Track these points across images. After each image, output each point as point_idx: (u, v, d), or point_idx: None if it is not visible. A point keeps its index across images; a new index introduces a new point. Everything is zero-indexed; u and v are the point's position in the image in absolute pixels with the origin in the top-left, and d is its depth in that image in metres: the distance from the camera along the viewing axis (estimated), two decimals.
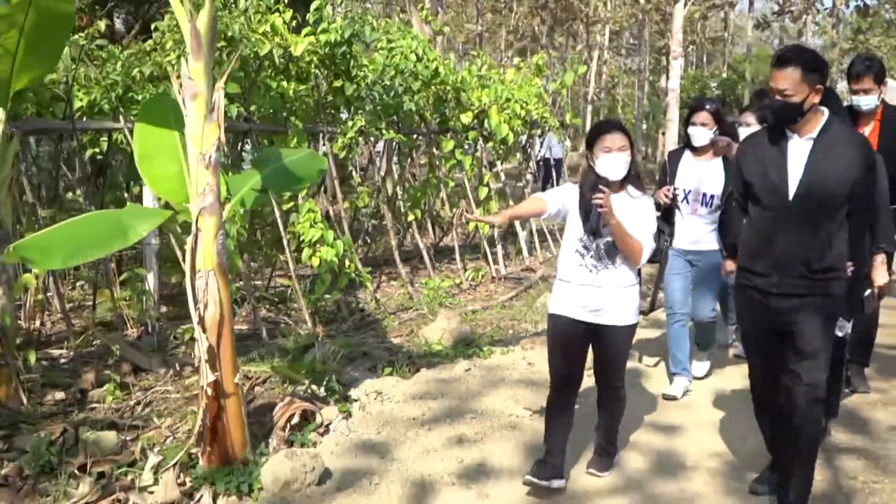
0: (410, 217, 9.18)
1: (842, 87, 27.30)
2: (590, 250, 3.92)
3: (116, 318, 6.45)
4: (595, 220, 3.83)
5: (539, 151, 12.10)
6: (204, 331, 3.85)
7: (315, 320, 7.06)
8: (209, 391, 3.89)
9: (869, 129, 5.20)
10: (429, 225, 11.18)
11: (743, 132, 5.37)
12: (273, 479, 3.97)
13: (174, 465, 3.94)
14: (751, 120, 5.63)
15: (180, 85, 3.75)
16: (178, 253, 6.13)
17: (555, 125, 10.57)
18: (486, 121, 9.42)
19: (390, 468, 4.29)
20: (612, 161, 3.83)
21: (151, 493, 3.91)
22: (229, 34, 6.58)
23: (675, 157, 5.55)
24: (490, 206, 9.55)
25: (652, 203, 4.05)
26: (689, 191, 5.34)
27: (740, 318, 4.10)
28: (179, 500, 3.87)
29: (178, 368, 5.78)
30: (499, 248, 9.97)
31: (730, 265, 4.32)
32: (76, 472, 4.16)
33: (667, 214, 4.96)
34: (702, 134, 5.28)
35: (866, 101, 5.15)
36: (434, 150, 9.49)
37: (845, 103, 5.16)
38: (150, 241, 6.49)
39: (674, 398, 5.48)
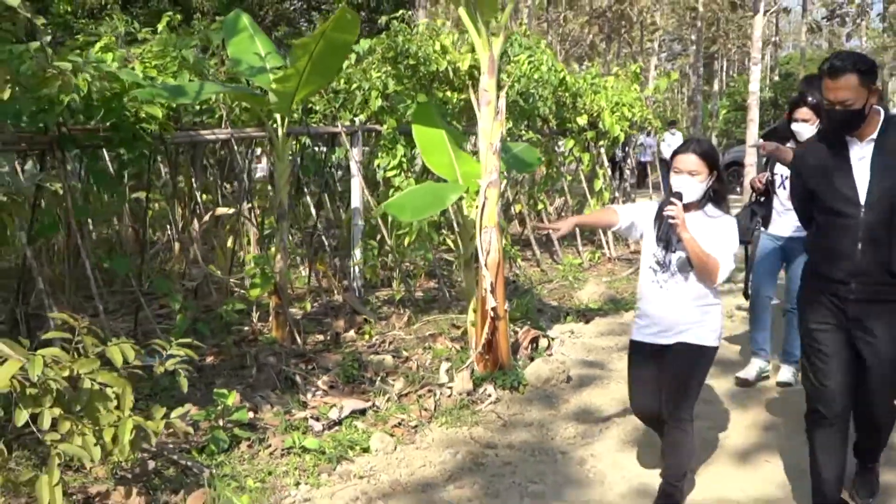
0: (539, 206, 10.71)
1: (893, 86, 28.43)
2: (663, 266, 3.78)
3: (328, 285, 8.05)
4: (666, 231, 3.72)
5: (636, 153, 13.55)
6: (487, 269, 5.39)
7: None
8: (490, 313, 5.42)
9: None
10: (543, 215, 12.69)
11: (799, 128, 5.24)
12: (535, 377, 5.53)
13: (466, 367, 5.48)
14: (807, 115, 5.22)
15: (477, 95, 5.30)
16: (385, 231, 7.76)
17: (658, 126, 12.07)
18: (600, 123, 10.93)
19: (611, 374, 5.82)
20: (681, 182, 3.71)
21: (450, 387, 5.46)
22: (418, 54, 8.16)
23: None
24: (604, 196, 11.08)
25: (734, 223, 3.83)
26: (786, 177, 5.13)
27: (809, 324, 3.72)
28: (472, 390, 5.42)
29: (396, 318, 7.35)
30: (610, 234, 11.47)
31: None
32: (375, 379, 5.71)
33: (766, 200, 5.09)
34: (806, 129, 5.19)
35: None
36: (555, 148, 11.01)
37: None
38: (357, 223, 8.07)
39: (746, 381, 5.56)
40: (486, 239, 5.36)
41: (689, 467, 4.01)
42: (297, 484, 4.19)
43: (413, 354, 6.28)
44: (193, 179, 8.73)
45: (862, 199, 3.48)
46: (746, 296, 5.57)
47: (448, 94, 8.97)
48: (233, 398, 4.71)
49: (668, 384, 3.82)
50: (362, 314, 7.36)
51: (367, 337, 6.79)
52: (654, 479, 4.03)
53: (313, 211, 8.18)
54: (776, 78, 33.66)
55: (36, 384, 3.47)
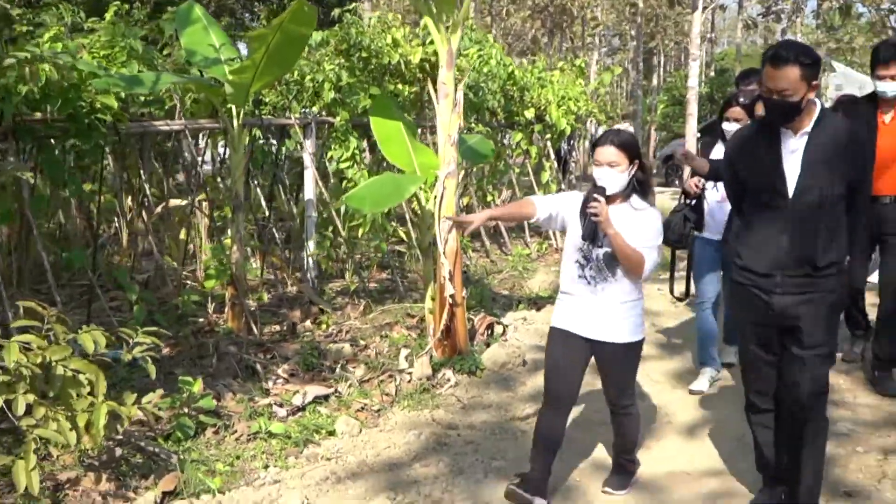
0: (489, 198, 10.88)
1: (824, 81, 29.33)
2: (589, 261, 3.73)
3: (280, 276, 8.10)
4: (590, 228, 3.66)
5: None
6: (446, 258, 5.53)
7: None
8: (449, 300, 5.56)
9: (890, 117, 5.21)
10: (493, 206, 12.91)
11: (730, 127, 5.21)
12: (492, 362, 5.70)
13: (426, 353, 5.61)
14: (739, 115, 5.25)
15: (435, 88, 5.42)
16: (339, 223, 7.85)
17: (603, 120, 12.35)
18: (546, 116, 11.15)
19: None
20: (600, 175, 3.67)
21: (410, 373, 5.58)
22: (371, 47, 8.25)
23: (706, 146, 5.52)
24: (551, 188, 11.31)
25: (658, 216, 3.80)
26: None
27: (738, 316, 3.89)
28: (431, 375, 5.55)
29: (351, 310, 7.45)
30: None
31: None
32: (334, 367, 5.81)
33: (697, 204, 5.16)
34: (735, 129, 4.86)
35: (893, 88, 5.09)
36: (503, 141, 11.19)
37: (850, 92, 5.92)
38: (311, 214, 8.13)
39: (700, 392, 5.43)
40: (444, 228, 5.50)
41: (639, 441, 4.19)
42: (266, 467, 4.29)
43: (371, 343, 6.39)
44: (142, 171, 8.69)
45: (790, 192, 3.46)
46: (680, 299, 5.68)
47: (399, 86, 9.08)
48: (198, 385, 4.77)
49: (606, 379, 3.89)
50: (318, 304, 7.42)
51: (324, 327, 6.87)
52: (607, 452, 4.22)
53: (263, 203, 8.22)
54: (712, 74, 34.42)
55: (10, 371, 3.51)
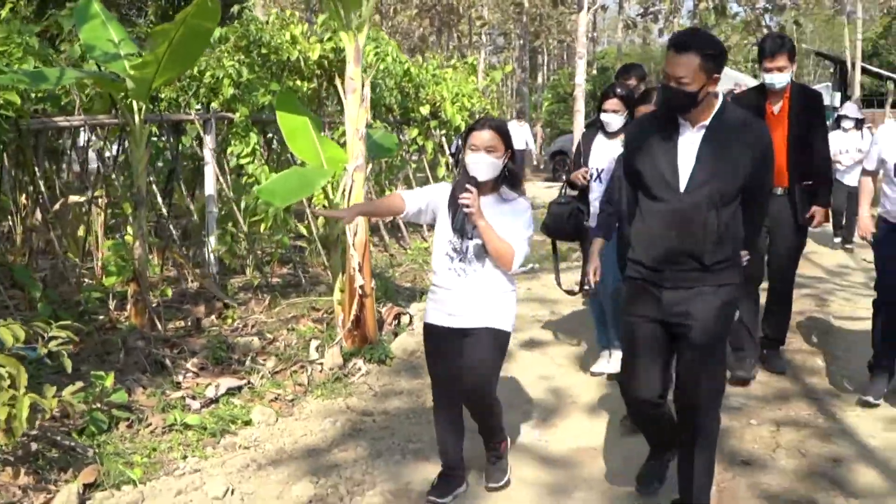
0: (387, 193, 11.02)
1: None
2: (459, 253, 3.70)
3: (181, 273, 8.06)
4: (460, 220, 3.64)
5: None
6: (355, 250, 5.66)
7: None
8: (359, 291, 5.70)
9: (778, 108, 5.30)
10: None
11: (608, 118, 5.30)
12: (402, 350, 5.88)
13: (336, 344, 5.74)
14: (616, 106, 5.28)
15: (333, 84, 5.54)
16: (240, 218, 7.87)
17: (496, 116, 12.66)
18: (441, 112, 11.38)
19: None
20: (477, 160, 3.61)
21: (321, 363, 5.70)
22: (271, 43, 8.29)
23: (588, 138, 5.53)
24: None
25: (527, 205, 3.79)
26: (602, 170, 5.30)
27: (628, 311, 3.68)
28: (342, 364, 5.68)
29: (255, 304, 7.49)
30: None
31: (596, 246, 4.17)
32: (244, 360, 5.87)
33: (584, 194, 5.28)
34: (614, 119, 5.26)
35: (780, 79, 5.19)
36: (399, 136, 11.36)
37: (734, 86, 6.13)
38: (211, 210, 8.11)
39: (601, 374, 5.57)
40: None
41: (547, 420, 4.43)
42: (185, 457, 4.34)
43: (278, 336, 6.47)
44: (36, 168, 8.47)
45: (682, 186, 3.38)
46: (570, 291, 5.53)
47: (298, 83, 9.14)
48: (110, 380, 4.77)
49: (469, 367, 3.75)
50: (222, 300, 7.43)
51: (229, 321, 6.90)
52: (509, 430, 4.44)
53: (160, 199, 8.15)
54: (594, 72, 35.52)
55: None
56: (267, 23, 8.82)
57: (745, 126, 3.47)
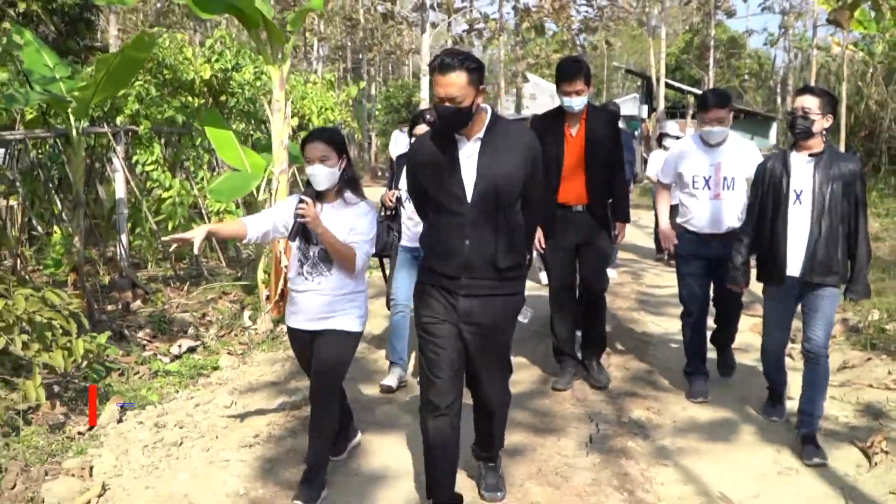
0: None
1: (527, 90, 33.45)
2: (307, 258, 3.94)
3: (94, 266, 9.18)
4: (295, 229, 3.85)
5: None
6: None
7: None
8: (284, 269, 7.16)
9: (576, 130, 5.42)
10: None
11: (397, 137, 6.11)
12: None
13: (266, 313, 7.17)
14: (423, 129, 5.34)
15: (269, 102, 6.99)
16: (150, 217, 9.09)
17: (356, 127, 14.20)
18: (309, 124, 12.83)
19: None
20: (313, 172, 3.82)
21: (255, 328, 7.11)
22: (173, 65, 9.52)
23: (400, 163, 5.66)
24: None
25: (369, 208, 3.99)
26: None
27: (423, 320, 3.75)
28: (272, 329, 7.12)
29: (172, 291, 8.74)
30: None
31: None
32: (185, 330, 7.19)
33: (395, 215, 5.56)
34: None
35: (578, 102, 5.29)
36: None
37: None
38: (122, 212, 9.26)
39: (389, 388, 5.63)
40: None
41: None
42: (177, 391, 5.70)
43: (205, 312, 7.80)
44: None
45: (469, 197, 3.55)
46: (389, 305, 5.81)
47: (189, 99, 10.36)
48: (104, 338, 6.02)
49: (317, 367, 3.95)
50: (142, 288, 8.64)
51: (157, 304, 8.14)
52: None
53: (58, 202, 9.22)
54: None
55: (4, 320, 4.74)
56: (167, 45, 10.00)
57: (517, 134, 3.68)
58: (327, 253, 3.88)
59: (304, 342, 4.07)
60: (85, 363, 5.48)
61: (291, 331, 4.12)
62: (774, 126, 34.80)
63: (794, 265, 4.55)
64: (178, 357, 6.43)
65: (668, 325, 7.42)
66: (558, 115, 5.48)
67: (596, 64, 32.05)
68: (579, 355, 5.93)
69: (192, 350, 6.60)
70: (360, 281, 4.04)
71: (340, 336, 3.96)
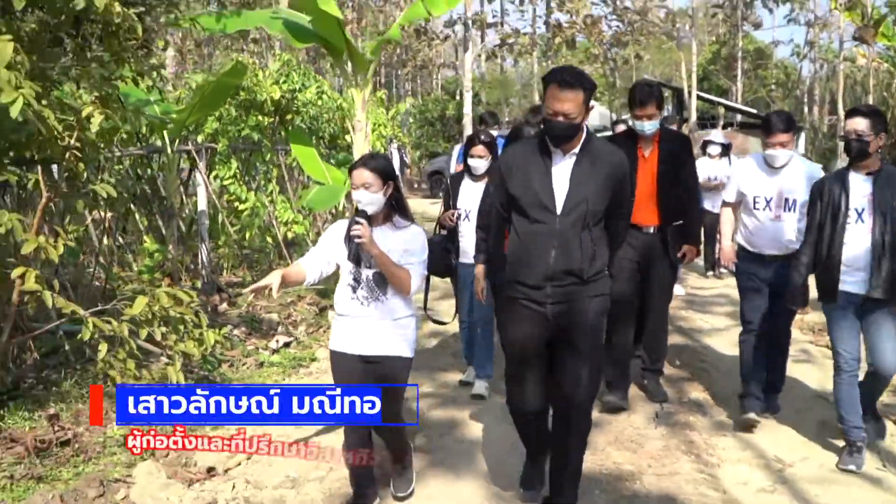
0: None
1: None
2: (360, 282, 3.89)
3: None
4: (355, 251, 3.85)
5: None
6: None
7: None
8: None
9: (649, 151, 5.49)
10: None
11: (475, 164, 5.73)
12: None
13: None
14: (482, 152, 5.71)
15: (342, 120, 7.74)
16: (229, 228, 9.88)
17: (406, 142, 14.95)
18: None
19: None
20: (358, 197, 3.82)
21: None
22: (250, 87, 10.33)
23: (456, 181, 5.91)
24: None
25: (420, 230, 4.00)
26: (470, 211, 5.70)
27: (508, 330, 3.95)
28: None
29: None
30: None
31: (480, 270, 4.89)
32: (275, 329, 7.93)
33: (452, 234, 5.72)
34: (481, 164, 5.69)
35: (650, 126, 5.40)
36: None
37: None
38: (204, 222, 10.05)
39: (481, 397, 5.86)
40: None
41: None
42: (283, 379, 6.44)
43: (290, 313, 8.55)
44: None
45: (558, 209, 3.68)
46: (442, 322, 6.06)
47: (260, 118, 11.16)
48: (225, 331, 6.75)
49: (382, 396, 3.71)
50: (225, 292, 9.41)
51: (241, 307, 8.90)
52: None
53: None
54: (458, 98, 38.52)
55: (143, 314, 5.50)
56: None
57: (609, 153, 3.84)
58: (382, 276, 3.86)
59: (353, 367, 3.95)
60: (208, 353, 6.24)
61: (338, 355, 4.00)
62: (802, 136, 35.22)
63: (856, 283, 4.60)
64: (276, 351, 7.17)
65: (715, 322, 8.27)
66: (631, 137, 5.59)
67: (625, 77, 32.61)
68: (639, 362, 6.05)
69: (286, 345, 7.34)
70: (411, 305, 4.03)
71: (396, 361, 3.95)
